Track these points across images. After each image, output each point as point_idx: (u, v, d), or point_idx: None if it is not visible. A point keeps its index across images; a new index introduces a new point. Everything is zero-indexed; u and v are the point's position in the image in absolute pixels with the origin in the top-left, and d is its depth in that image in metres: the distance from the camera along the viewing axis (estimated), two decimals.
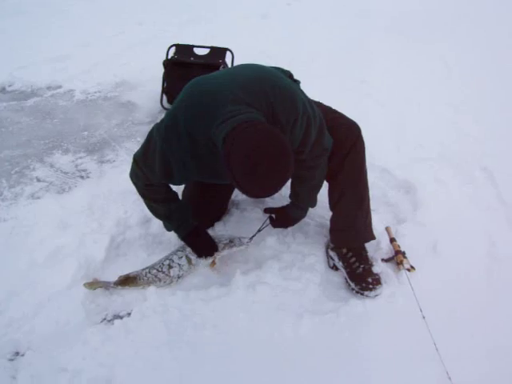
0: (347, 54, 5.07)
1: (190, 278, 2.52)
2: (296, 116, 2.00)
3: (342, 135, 2.33)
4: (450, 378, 1.95)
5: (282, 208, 2.64)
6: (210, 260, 2.54)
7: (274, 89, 1.97)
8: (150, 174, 2.21)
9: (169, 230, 2.54)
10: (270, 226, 2.68)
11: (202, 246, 2.54)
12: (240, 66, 2.15)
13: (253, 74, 2.05)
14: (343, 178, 2.41)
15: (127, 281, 2.44)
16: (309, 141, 2.14)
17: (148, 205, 2.46)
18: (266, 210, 2.70)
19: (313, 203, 2.56)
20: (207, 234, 2.57)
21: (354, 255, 2.49)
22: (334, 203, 2.53)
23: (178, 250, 2.56)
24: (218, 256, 2.54)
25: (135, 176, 2.34)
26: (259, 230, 2.63)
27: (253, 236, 2.60)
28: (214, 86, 2.01)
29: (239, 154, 1.70)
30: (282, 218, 2.65)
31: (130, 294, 2.42)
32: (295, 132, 2.04)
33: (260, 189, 1.77)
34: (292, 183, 2.49)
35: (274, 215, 2.66)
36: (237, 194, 3.02)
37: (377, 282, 2.40)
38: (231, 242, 2.57)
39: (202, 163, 2.08)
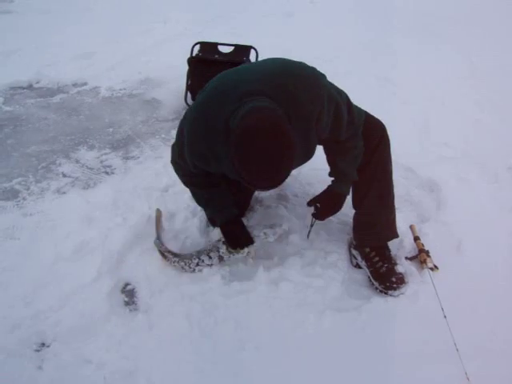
0: (370, 52, 5.06)
1: (213, 273, 2.53)
2: (321, 106, 1.99)
3: (367, 134, 2.30)
4: (468, 379, 1.93)
5: (326, 190, 2.45)
6: (243, 253, 2.54)
7: (295, 80, 1.97)
8: (184, 163, 2.26)
9: (212, 223, 2.61)
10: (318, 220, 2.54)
11: (239, 236, 2.53)
12: (264, 60, 2.16)
13: (275, 66, 2.05)
14: (367, 177, 2.39)
15: (162, 256, 2.56)
16: (342, 124, 2.14)
17: (191, 191, 2.51)
18: (310, 202, 2.50)
19: (355, 174, 2.36)
20: (244, 226, 2.56)
21: (377, 254, 2.48)
22: (357, 202, 2.52)
23: (210, 251, 2.57)
24: (253, 249, 2.54)
25: (174, 163, 2.43)
26: (311, 226, 2.58)
27: (308, 233, 2.61)
28: (234, 78, 2.04)
29: (237, 140, 1.74)
30: (329, 202, 2.44)
31: (152, 288, 2.46)
32: (322, 121, 2.04)
33: (257, 177, 1.78)
34: (332, 159, 2.39)
35: (318, 205, 2.46)
36: (260, 192, 3.03)
37: (401, 281, 2.38)
38: (265, 234, 2.58)
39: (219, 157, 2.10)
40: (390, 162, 2.45)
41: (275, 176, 1.78)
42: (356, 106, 2.25)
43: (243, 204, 2.82)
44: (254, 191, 2.86)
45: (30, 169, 3.38)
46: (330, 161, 2.41)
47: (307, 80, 2.01)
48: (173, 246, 2.65)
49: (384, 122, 2.41)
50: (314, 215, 2.49)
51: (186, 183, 2.48)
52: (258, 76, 2.00)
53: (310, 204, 2.49)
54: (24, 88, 4.64)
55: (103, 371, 2.05)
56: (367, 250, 2.51)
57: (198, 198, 2.51)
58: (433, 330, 2.17)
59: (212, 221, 2.66)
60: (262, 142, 1.71)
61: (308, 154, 2.23)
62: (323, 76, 2.08)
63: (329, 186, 2.44)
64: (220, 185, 2.45)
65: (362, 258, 2.53)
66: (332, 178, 2.44)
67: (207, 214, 2.60)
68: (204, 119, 2.04)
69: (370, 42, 5.31)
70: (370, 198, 2.44)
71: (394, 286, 2.36)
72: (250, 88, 1.92)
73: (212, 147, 2.05)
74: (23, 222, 2.83)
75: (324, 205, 2.46)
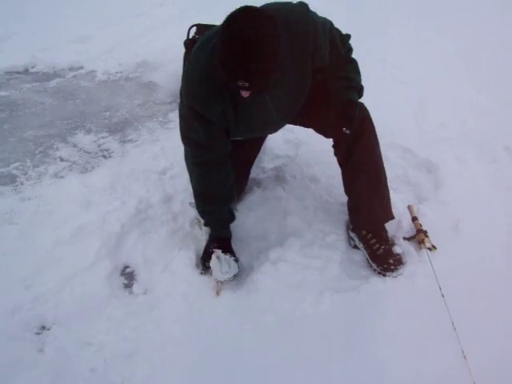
0: (368, 33, 4.99)
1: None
2: (314, 27, 2.08)
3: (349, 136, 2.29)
4: (465, 357, 1.95)
5: (336, 104, 2.27)
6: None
7: (285, 9, 2.05)
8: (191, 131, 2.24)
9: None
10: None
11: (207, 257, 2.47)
12: None
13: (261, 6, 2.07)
14: (355, 162, 2.40)
15: None
16: (338, 44, 2.23)
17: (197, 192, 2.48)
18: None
19: (360, 83, 2.32)
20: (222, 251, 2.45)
21: (373, 236, 2.48)
22: (348, 188, 2.54)
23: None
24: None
25: (188, 157, 2.39)
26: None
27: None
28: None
29: (220, 28, 1.78)
30: (346, 110, 2.25)
31: (151, 270, 2.47)
32: (320, 44, 2.12)
33: (235, 61, 1.75)
34: (335, 74, 2.29)
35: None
36: (258, 173, 3.05)
37: (398, 262, 2.38)
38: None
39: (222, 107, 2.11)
40: (378, 145, 2.44)
41: (253, 61, 1.73)
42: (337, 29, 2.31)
43: (240, 181, 2.76)
44: (254, 158, 2.86)
45: (28, 153, 3.38)
46: (332, 78, 2.31)
47: (295, 8, 2.09)
48: (167, 229, 2.68)
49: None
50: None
51: (196, 175, 2.42)
52: None
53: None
54: (20, 73, 4.63)
55: (103, 353, 2.08)
56: (364, 232, 2.51)
57: (202, 207, 2.50)
58: (431, 310, 2.18)
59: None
60: (243, 26, 1.72)
61: (302, 82, 2.23)
62: (307, 4, 2.14)
63: (337, 101, 2.28)
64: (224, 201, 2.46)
65: (360, 240, 2.53)
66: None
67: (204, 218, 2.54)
68: (196, 59, 2.09)
69: (368, 24, 5.26)
70: (360, 184, 2.44)
71: (392, 267, 2.37)
72: None
73: (208, 80, 2.04)
74: (21, 206, 2.84)
75: (337, 115, 2.27)
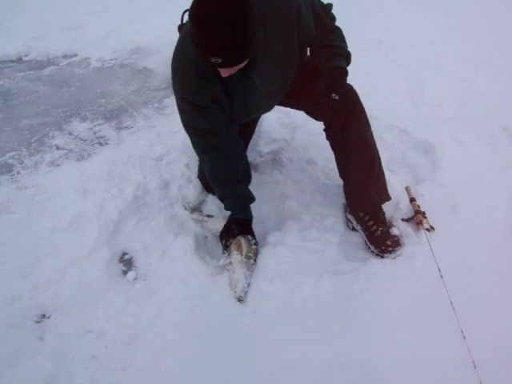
0: (363, 15, 4.97)
1: (211, 242, 2.58)
2: (297, 2, 2.05)
3: (338, 102, 2.23)
4: (464, 337, 1.96)
5: (326, 72, 2.23)
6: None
7: None
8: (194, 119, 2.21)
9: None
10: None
11: (227, 234, 2.48)
12: None
13: None
14: (346, 146, 2.39)
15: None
16: (321, 14, 2.19)
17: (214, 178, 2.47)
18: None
19: (347, 49, 2.27)
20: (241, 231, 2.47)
21: (371, 218, 2.48)
22: (341, 172, 2.53)
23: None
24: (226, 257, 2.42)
25: (198, 145, 2.36)
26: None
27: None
28: None
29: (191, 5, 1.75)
30: (335, 76, 2.20)
31: (150, 257, 2.47)
32: (303, 18, 2.08)
33: (206, 33, 1.71)
34: (321, 44, 2.26)
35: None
36: (255, 157, 3.04)
37: (396, 243, 2.39)
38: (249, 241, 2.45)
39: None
40: (369, 126, 2.42)
41: (220, 35, 1.71)
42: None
43: None
44: (250, 137, 2.84)
45: (23, 142, 3.36)
46: (319, 48, 2.29)
47: None
48: (165, 214, 2.69)
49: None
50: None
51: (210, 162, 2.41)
52: None
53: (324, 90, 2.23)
54: (13, 61, 4.60)
55: (104, 340, 2.07)
56: (361, 214, 2.51)
57: (222, 190, 2.50)
58: (430, 290, 2.18)
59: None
60: (210, 1, 1.69)
61: (290, 57, 2.21)
62: None
63: (325, 68, 2.25)
64: (244, 181, 2.47)
65: (357, 222, 2.53)
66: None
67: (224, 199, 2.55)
68: (180, 48, 2.07)
69: (364, 5, 5.23)
70: (353, 166, 2.44)
71: (390, 249, 2.37)
72: None
73: (195, 68, 2.02)
74: (18, 195, 2.82)
75: (331, 79, 2.21)
